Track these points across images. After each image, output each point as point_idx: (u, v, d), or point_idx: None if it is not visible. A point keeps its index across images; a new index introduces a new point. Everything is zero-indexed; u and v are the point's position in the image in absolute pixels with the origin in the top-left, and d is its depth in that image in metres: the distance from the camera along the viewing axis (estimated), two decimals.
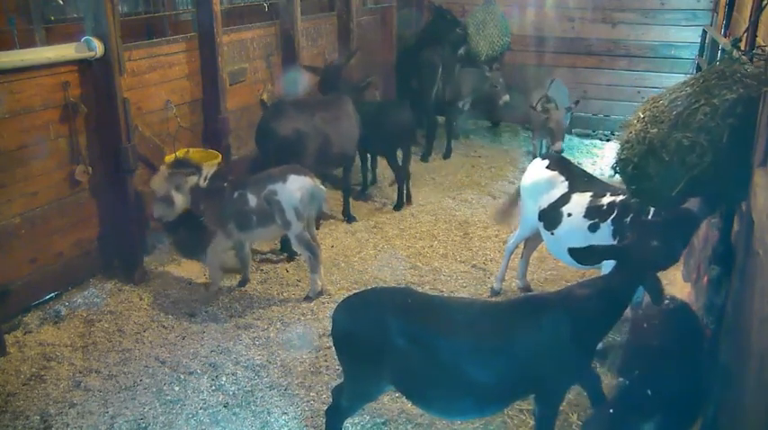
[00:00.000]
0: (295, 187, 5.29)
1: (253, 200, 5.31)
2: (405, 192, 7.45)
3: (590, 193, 4.81)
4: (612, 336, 4.55)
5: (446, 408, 3.46)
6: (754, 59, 3.66)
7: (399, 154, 7.36)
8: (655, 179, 3.34)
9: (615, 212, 4.57)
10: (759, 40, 4.20)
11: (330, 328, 3.60)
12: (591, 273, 5.01)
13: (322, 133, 6.37)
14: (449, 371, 3.25)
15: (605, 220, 4.61)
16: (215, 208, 5.40)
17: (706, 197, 3.62)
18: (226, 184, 5.39)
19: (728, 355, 3.09)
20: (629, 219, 4.48)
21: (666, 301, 3.60)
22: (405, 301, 3.40)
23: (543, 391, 3.35)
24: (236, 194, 5.35)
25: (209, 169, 5.43)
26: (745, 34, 4.27)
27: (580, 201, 4.81)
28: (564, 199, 4.90)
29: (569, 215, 4.82)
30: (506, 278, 5.65)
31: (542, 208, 5.01)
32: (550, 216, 4.94)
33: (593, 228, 4.66)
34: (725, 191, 3.32)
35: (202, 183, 5.35)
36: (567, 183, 4.96)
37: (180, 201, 5.35)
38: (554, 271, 5.96)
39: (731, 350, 3.03)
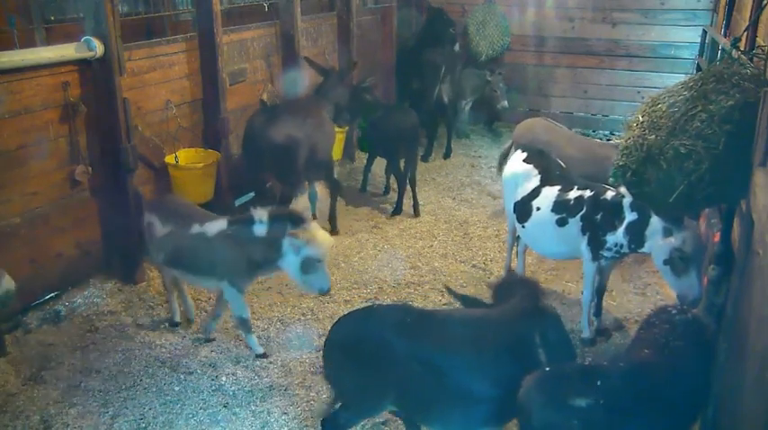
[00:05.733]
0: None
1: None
2: (413, 198, 7.30)
3: (558, 187, 4.83)
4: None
5: (450, 425, 3.42)
6: (755, 59, 3.66)
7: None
8: (653, 185, 3.38)
9: (584, 209, 4.60)
10: (759, 40, 4.21)
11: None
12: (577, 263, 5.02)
13: (311, 140, 6.23)
14: (452, 388, 3.21)
15: (574, 216, 4.64)
16: None
17: (705, 199, 3.63)
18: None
19: (728, 355, 3.09)
20: (599, 217, 4.50)
21: (678, 310, 3.54)
22: (403, 320, 3.35)
23: None
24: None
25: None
26: (745, 34, 4.28)
27: (548, 194, 4.84)
28: (535, 192, 4.94)
29: (538, 209, 4.87)
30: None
31: (516, 200, 5.06)
32: (522, 209, 4.99)
33: (560, 223, 4.70)
34: (723, 192, 3.34)
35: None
36: (539, 176, 5.00)
37: None
38: (554, 270, 5.96)
39: (731, 350, 3.03)
